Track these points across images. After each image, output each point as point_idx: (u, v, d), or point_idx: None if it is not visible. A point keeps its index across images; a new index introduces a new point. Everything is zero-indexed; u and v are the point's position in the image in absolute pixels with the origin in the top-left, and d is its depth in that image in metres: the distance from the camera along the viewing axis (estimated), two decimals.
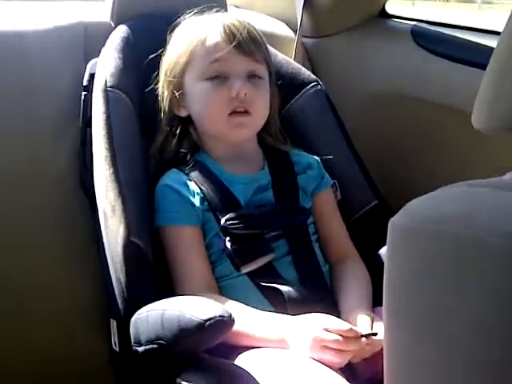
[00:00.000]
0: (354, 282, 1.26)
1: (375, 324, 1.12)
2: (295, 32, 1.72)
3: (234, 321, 1.01)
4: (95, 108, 1.30)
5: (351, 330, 1.06)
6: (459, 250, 0.57)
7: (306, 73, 1.51)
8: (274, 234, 1.25)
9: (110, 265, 1.19)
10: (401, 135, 1.68)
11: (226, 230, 1.22)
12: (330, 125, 1.46)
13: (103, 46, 1.39)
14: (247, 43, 1.26)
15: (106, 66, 1.33)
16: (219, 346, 1.06)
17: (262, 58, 1.30)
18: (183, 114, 1.32)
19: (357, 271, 1.30)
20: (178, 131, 1.33)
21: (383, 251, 1.30)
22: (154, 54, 1.33)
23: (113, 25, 1.45)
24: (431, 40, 1.66)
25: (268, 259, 1.23)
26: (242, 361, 1.08)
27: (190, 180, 1.27)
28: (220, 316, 1.00)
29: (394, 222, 0.64)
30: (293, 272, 1.24)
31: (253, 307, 1.16)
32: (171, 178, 1.28)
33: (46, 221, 1.46)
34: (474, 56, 1.56)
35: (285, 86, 1.43)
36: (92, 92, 1.34)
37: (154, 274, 1.20)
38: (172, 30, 1.33)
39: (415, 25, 1.72)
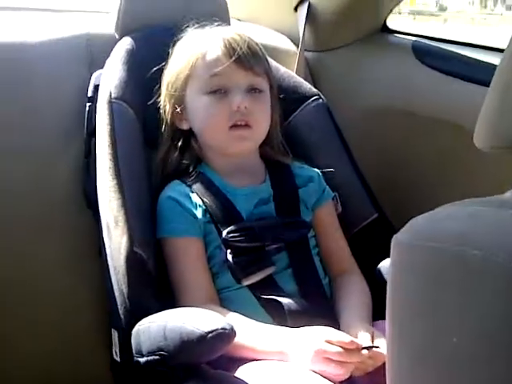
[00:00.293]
0: (354, 295, 1.27)
1: (375, 338, 1.12)
2: (297, 46, 1.74)
3: (235, 333, 1.01)
4: (99, 119, 1.31)
5: (353, 342, 1.07)
6: (463, 268, 0.57)
7: (308, 86, 1.52)
8: (274, 246, 1.26)
9: (112, 275, 1.19)
10: (401, 149, 1.69)
11: (227, 243, 1.23)
12: (331, 138, 1.47)
13: (108, 57, 1.40)
14: (247, 57, 1.27)
15: (110, 77, 1.34)
16: (220, 357, 1.06)
17: (263, 72, 1.31)
18: (185, 126, 1.33)
19: (357, 285, 1.30)
20: (180, 143, 1.34)
21: (383, 265, 1.31)
22: (157, 67, 1.34)
23: (117, 37, 1.46)
24: (432, 55, 1.68)
25: (269, 272, 1.23)
26: (242, 373, 1.08)
27: (193, 192, 1.28)
28: (222, 328, 1.00)
29: (397, 239, 0.64)
30: (293, 285, 1.25)
31: (253, 319, 1.16)
32: (174, 189, 1.29)
33: (49, 231, 1.47)
34: (474, 72, 1.57)
35: (287, 99, 1.44)
36: (96, 103, 1.34)
37: (156, 285, 1.21)
38: (174, 44, 1.34)
39: (416, 40, 1.74)
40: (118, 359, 1.19)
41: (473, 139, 0.71)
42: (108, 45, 1.43)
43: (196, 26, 1.34)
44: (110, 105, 1.29)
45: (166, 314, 1.10)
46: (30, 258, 1.45)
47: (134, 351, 1.12)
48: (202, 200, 1.27)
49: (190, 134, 1.34)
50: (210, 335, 0.99)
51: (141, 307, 1.15)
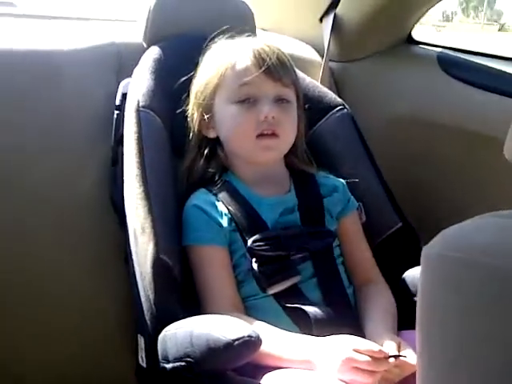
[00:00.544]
0: (379, 305, 1.26)
1: (402, 348, 1.12)
2: (322, 56, 1.75)
3: (261, 341, 1.02)
4: (127, 127, 1.32)
5: (381, 350, 1.07)
6: (492, 280, 0.58)
7: (333, 96, 1.53)
8: (299, 256, 1.26)
9: (138, 281, 1.20)
10: (425, 160, 1.69)
11: (252, 251, 1.24)
12: (356, 147, 1.48)
13: (135, 66, 1.41)
14: (276, 68, 1.28)
15: (138, 86, 1.36)
16: (246, 365, 1.07)
17: (290, 82, 1.33)
18: (212, 135, 1.35)
19: (382, 295, 1.30)
20: (206, 152, 1.35)
21: (408, 274, 1.31)
22: (186, 77, 1.36)
23: (145, 45, 1.48)
24: (457, 66, 1.68)
25: (294, 281, 1.24)
26: (268, 380, 1.09)
27: (218, 200, 1.29)
28: (248, 336, 1.01)
29: (427, 250, 0.65)
30: (318, 294, 1.25)
31: (278, 328, 1.16)
32: (199, 198, 1.30)
33: (73, 236, 1.48)
34: (499, 83, 1.58)
35: (312, 109, 1.45)
36: (124, 111, 1.36)
37: (181, 292, 1.21)
38: (203, 53, 1.35)
39: (441, 51, 1.74)
40: (143, 365, 1.20)
41: (503, 151, 0.72)
42: (136, 53, 1.45)
43: (225, 35, 1.35)
44: (138, 113, 1.31)
45: (193, 321, 1.10)
46: (53, 261, 1.47)
47: (160, 357, 1.13)
48: (228, 209, 1.28)
49: (216, 143, 1.35)
50: (237, 342, 1.00)
51: (167, 313, 1.16)
